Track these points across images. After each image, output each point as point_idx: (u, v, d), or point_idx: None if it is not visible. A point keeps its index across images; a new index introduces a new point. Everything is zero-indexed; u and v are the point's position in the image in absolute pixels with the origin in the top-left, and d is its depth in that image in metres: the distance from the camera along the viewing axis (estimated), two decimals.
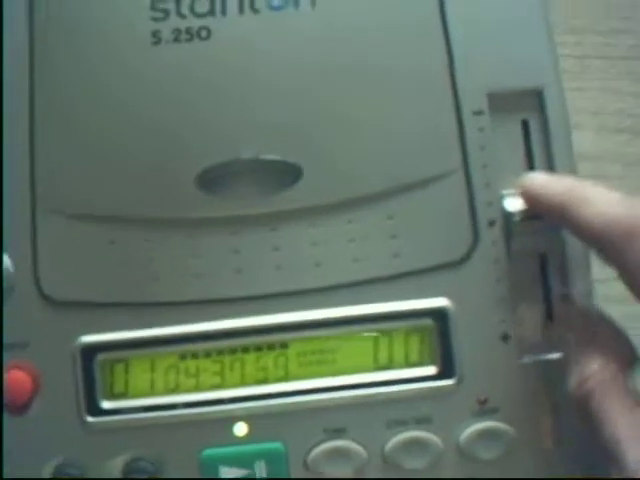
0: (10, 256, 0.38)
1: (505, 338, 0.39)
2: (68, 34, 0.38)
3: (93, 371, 0.38)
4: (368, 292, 0.39)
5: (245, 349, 0.39)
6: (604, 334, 0.36)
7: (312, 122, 0.38)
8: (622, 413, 0.33)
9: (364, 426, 0.39)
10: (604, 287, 0.38)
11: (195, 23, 0.38)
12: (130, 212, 0.38)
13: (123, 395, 0.38)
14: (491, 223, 0.39)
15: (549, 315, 0.39)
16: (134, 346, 0.38)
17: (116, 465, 0.38)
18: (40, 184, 0.38)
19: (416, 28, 0.39)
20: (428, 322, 0.39)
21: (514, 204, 0.38)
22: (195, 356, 0.39)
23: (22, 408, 0.38)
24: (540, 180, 0.38)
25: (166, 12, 0.38)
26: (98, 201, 0.38)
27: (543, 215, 0.37)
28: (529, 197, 0.38)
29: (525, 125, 0.39)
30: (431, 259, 0.39)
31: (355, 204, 0.38)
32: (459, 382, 0.39)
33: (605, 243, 0.34)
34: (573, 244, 0.38)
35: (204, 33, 0.38)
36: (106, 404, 0.38)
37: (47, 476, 0.38)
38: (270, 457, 0.38)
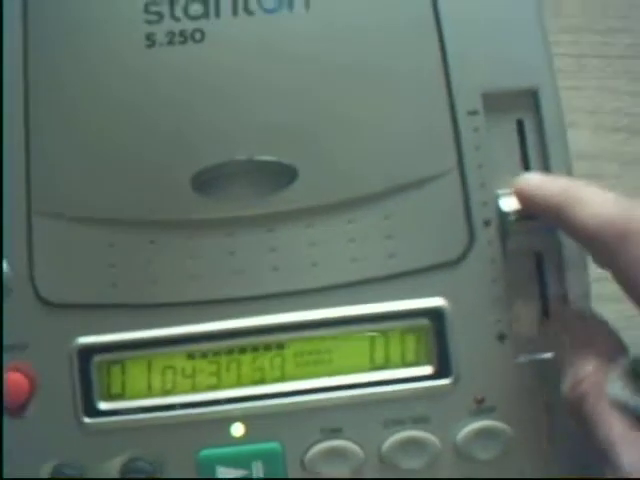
0: (7, 258, 0.38)
1: (501, 337, 0.39)
2: (64, 37, 0.38)
3: (90, 372, 0.38)
4: (364, 292, 0.39)
5: (242, 349, 0.39)
6: (598, 336, 0.36)
7: (307, 123, 0.38)
8: (616, 415, 0.33)
9: (361, 426, 0.39)
10: (597, 286, 0.38)
11: (189, 25, 0.38)
12: (126, 214, 0.38)
13: (120, 396, 0.39)
14: (487, 223, 0.39)
15: (545, 314, 0.39)
16: (131, 347, 0.38)
17: (114, 466, 0.38)
18: (35, 186, 0.38)
19: (410, 28, 0.39)
20: (424, 322, 0.39)
21: (509, 204, 0.38)
22: (192, 357, 0.39)
23: (19, 409, 0.38)
24: (535, 181, 0.38)
25: (160, 15, 0.38)
26: (94, 204, 0.38)
27: (538, 215, 0.38)
28: (524, 198, 0.38)
29: (520, 125, 0.39)
30: (427, 259, 0.39)
31: (351, 204, 0.38)
32: (456, 382, 0.39)
33: (599, 244, 0.34)
34: (569, 245, 0.38)
35: (198, 35, 0.38)
36: (103, 405, 0.38)
37: (45, 477, 0.38)
38: (267, 457, 0.39)
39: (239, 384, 0.39)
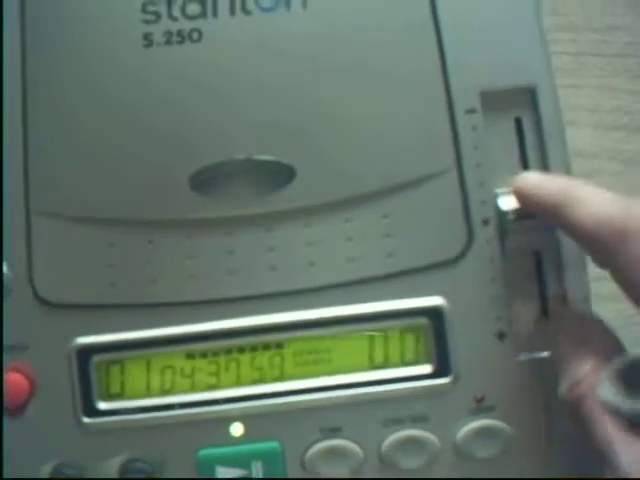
0: (6, 259, 0.38)
1: (501, 336, 0.39)
2: (62, 36, 0.38)
3: (89, 372, 0.38)
4: (363, 291, 0.39)
5: (240, 349, 0.39)
6: (596, 337, 0.36)
7: (304, 122, 0.38)
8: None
9: (360, 425, 0.39)
10: (596, 285, 0.38)
11: (186, 25, 0.38)
12: (125, 214, 0.38)
13: (119, 396, 0.39)
14: (485, 222, 0.39)
15: (545, 313, 0.39)
16: (130, 347, 0.38)
17: (113, 465, 0.38)
18: (34, 186, 0.38)
19: (408, 27, 0.39)
20: (423, 321, 0.39)
21: (508, 203, 0.38)
22: (191, 356, 0.39)
23: (19, 410, 0.38)
24: (534, 180, 0.37)
25: (157, 15, 0.38)
26: (93, 203, 0.38)
27: (537, 215, 0.37)
28: (523, 197, 0.38)
29: (518, 123, 0.39)
30: (426, 258, 0.39)
31: (349, 204, 0.38)
32: (455, 380, 0.39)
33: (597, 243, 0.34)
34: (568, 244, 0.38)
35: (195, 35, 0.38)
36: (102, 405, 0.38)
37: (45, 477, 0.38)
38: (266, 457, 0.39)
39: (238, 384, 0.39)
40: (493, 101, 0.39)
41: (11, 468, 0.38)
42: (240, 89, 0.38)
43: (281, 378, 0.39)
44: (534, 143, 0.39)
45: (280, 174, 0.38)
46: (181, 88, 0.38)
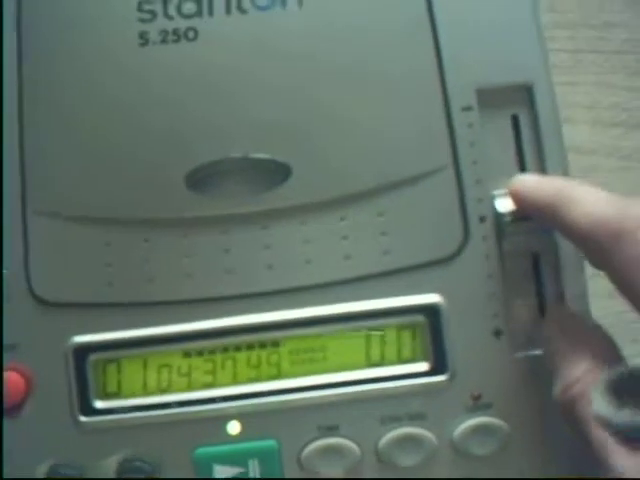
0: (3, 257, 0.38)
1: (497, 333, 0.39)
2: (58, 35, 0.38)
3: (86, 371, 0.38)
4: (359, 289, 0.39)
5: (237, 347, 0.39)
6: (591, 339, 0.36)
7: (301, 120, 0.38)
8: None
9: (357, 423, 0.39)
10: (590, 283, 0.38)
11: (182, 24, 0.38)
12: (122, 213, 0.38)
13: (116, 395, 0.39)
14: (482, 219, 0.39)
15: (541, 310, 0.39)
16: (126, 346, 0.38)
17: (110, 464, 0.38)
18: (30, 186, 0.38)
19: (404, 24, 0.39)
20: (420, 318, 0.39)
21: (505, 205, 0.38)
22: (187, 355, 0.39)
23: (15, 409, 0.38)
24: (530, 182, 0.37)
25: (153, 13, 0.38)
26: (89, 203, 0.38)
27: (534, 216, 0.37)
28: (519, 199, 0.37)
29: (515, 120, 0.39)
30: (422, 255, 0.39)
31: (345, 201, 0.38)
32: (452, 378, 0.39)
33: (593, 243, 0.34)
34: (566, 245, 0.38)
35: (191, 34, 0.38)
36: (99, 404, 0.38)
37: (41, 476, 0.38)
38: (263, 455, 0.39)
39: (235, 382, 0.39)
40: (489, 98, 0.39)
41: (8, 468, 0.38)
42: (236, 88, 0.38)
43: (278, 376, 0.39)
44: (531, 141, 0.39)
45: (276, 172, 0.38)
46: (177, 87, 0.38)
